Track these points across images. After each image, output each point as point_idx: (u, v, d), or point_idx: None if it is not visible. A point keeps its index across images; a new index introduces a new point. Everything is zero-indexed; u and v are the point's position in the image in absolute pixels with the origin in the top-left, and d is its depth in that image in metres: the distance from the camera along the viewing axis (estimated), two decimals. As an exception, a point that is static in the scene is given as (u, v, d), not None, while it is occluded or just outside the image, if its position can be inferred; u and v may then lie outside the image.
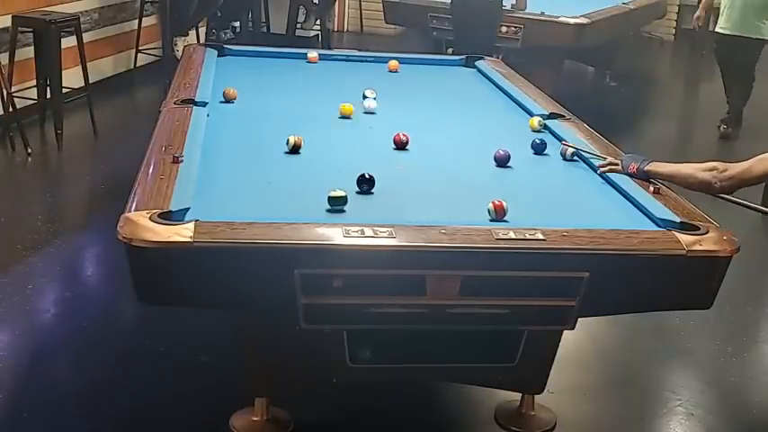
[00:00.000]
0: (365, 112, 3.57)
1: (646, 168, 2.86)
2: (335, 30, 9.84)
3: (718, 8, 6.71)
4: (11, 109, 5.34)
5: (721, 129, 6.72)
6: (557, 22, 6.58)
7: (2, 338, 3.39)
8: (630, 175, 2.88)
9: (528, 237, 2.33)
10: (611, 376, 3.46)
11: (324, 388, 2.79)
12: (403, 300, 2.34)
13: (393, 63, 4.50)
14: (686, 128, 7.70)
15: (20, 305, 3.63)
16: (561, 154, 3.17)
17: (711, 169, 2.74)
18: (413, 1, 7.05)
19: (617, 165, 2.94)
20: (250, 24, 8.67)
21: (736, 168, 2.72)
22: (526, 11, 6.61)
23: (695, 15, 7.01)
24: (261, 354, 2.71)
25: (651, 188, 2.78)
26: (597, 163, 3.02)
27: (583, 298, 2.36)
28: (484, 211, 2.49)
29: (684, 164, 2.87)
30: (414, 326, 2.44)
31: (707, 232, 2.45)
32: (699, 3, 7.11)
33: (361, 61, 4.67)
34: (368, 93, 3.72)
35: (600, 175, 2.96)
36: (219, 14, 8.04)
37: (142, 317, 3.53)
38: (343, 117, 3.48)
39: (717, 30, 6.69)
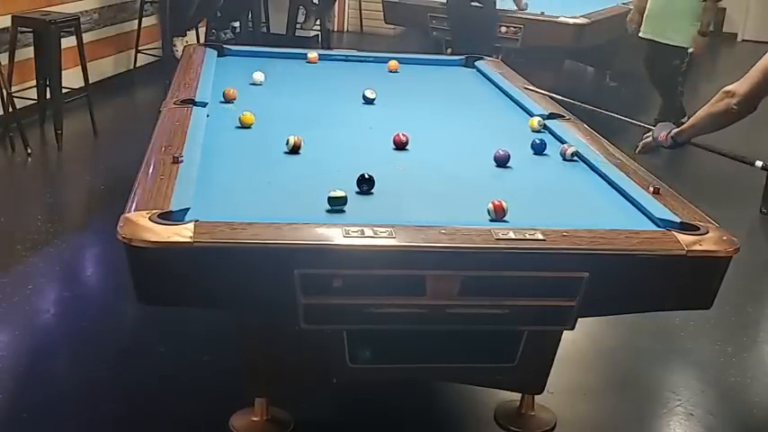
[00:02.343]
0: (251, 84, 3.63)
1: (673, 134, 2.90)
2: (335, 30, 9.83)
3: None
4: (11, 109, 5.34)
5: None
6: (556, 22, 6.58)
7: (2, 338, 3.39)
8: (661, 146, 2.96)
9: (528, 237, 2.33)
10: (611, 376, 3.46)
11: (324, 388, 2.79)
12: (403, 300, 2.34)
13: (393, 63, 4.50)
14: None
15: (20, 305, 3.64)
16: (561, 154, 3.17)
17: (722, 99, 2.71)
18: (413, 1, 7.05)
19: (648, 138, 2.97)
20: (250, 25, 8.67)
21: (744, 84, 2.64)
22: (526, 11, 6.61)
23: (628, 18, 6.59)
24: (261, 354, 2.71)
25: (651, 188, 2.77)
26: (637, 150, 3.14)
27: (583, 298, 2.36)
28: (484, 211, 2.49)
29: (698, 112, 2.89)
30: (414, 326, 2.43)
31: (707, 232, 2.45)
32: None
33: (361, 61, 4.67)
34: (368, 93, 3.73)
35: (599, 175, 2.96)
36: (219, 15, 8.04)
37: (142, 317, 3.53)
38: (243, 126, 3.26)
39: (640, 35, 6.29)
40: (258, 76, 3.95)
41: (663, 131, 2.85)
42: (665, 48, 6.15)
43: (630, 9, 7.41)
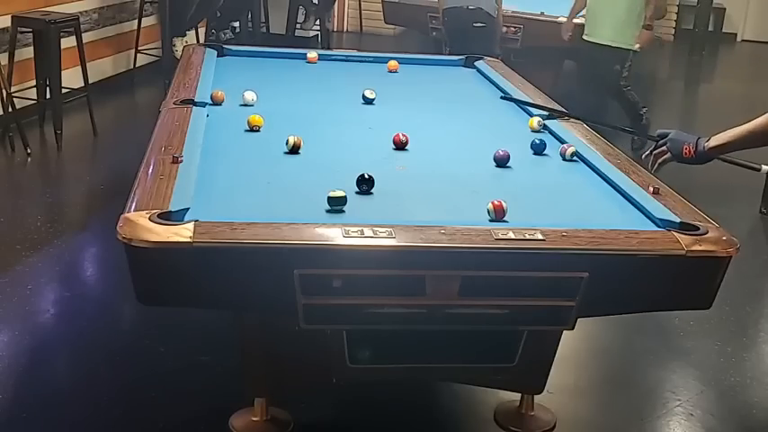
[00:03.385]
0: (241, 105, 3.50)
1: (708, 148, 2.51)
2: (335, 30, 9.84)
3: None
4: (10, 109, 5.34)
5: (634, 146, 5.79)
6: (556, 22, 6.59)
7: (2, 338, 3.39)
8: (684, 161, 2.60)
9: (527, 237, 2.33)
10: (611, 377, 3.46)
11: (324, 388, 2.79)
12: (402, 300, 2.34)
13: (393, 63, 4.49)
14: (686, 128, 7.67)
15: (20, 305, 3.64)
16: (561, 154, 3.16)
17: None
18: (413, 1, 7.06)
19: (665, 152, 2.64)
20: (249, 25, 8.67)
21: None
22: (526, 11, 6.61)
23: (563, 27, 6.29)
24: (260, 354, 2.71)
25: (651, 188, 2.77)
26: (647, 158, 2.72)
27: (582, 298, 2.36)
28: (483, 211, 2.49)
29: (750, 123, 2.45)
30: (413, 326, 2.43)
31: (706, 232, 2.45)
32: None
33: (361, 61, 4.67)
34: (367, 93, 3.73)
35: (599, 175, 2.95)
36: (219, 15, 8.04)
37: (141, 317, 3.53)
38: (252, 130, 3.21)
39: (583, 37, 6.13)
40: (250, 96, 3.55)
41: (685, 144, 2.53)
42: (603, 50, 6.00)
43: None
